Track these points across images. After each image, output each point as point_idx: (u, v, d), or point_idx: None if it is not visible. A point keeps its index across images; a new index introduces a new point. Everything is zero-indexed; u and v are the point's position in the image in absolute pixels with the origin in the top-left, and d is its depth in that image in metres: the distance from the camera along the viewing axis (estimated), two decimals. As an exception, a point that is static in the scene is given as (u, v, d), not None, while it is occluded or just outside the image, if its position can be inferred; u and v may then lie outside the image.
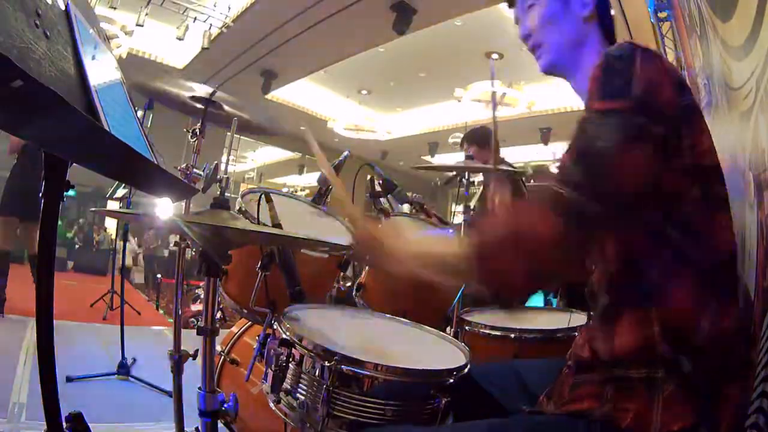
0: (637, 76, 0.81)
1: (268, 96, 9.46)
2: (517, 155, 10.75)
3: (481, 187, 3.38)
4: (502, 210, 0.88)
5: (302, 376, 1.01)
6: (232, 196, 1.23)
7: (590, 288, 0.98)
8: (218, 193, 1.10)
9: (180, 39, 6.98)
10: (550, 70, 1.09)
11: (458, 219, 2.65)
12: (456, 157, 9.46)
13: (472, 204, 2.32)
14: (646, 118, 0.79)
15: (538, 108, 9.16)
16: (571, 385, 0.89)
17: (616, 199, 0.79)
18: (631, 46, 0.85)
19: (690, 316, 0.80)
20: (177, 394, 1.58)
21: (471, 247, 0.89)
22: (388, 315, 1.42)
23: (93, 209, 10.11)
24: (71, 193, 0.92)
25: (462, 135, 3.50)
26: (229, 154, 1.62)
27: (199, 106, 1.81)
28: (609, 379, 0.84)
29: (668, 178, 0.80)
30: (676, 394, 0.77)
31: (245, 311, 1.51)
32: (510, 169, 3.57)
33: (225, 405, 1.06)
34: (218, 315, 1.20)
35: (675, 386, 0.78)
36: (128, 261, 8.68)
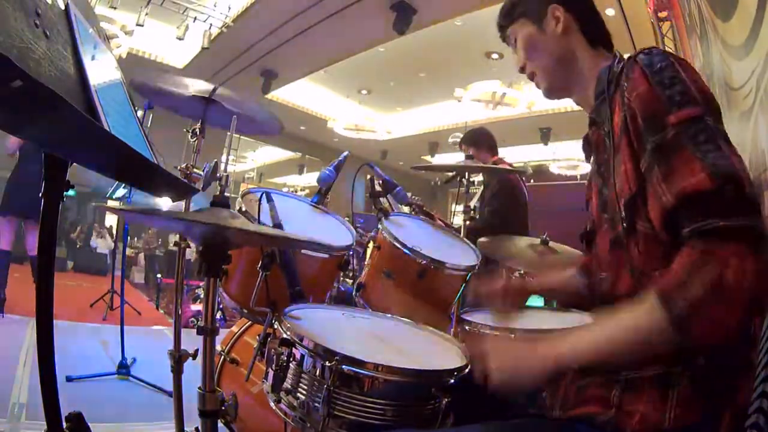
0: (684, 80, 0.81)
1: (268, 96, 9.46)
2: (517, 155, 10.76)
3: (482, 187, 3.39)
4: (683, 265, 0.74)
5: (303, 375, 1.01)
6: (232, 196, 1.22)
7: (605, 290, 0.97)
8: (218, 192, 1.10)
9: (180, 39, 6.99)
10: (551, 94, 1.11)
11: (458, 219, 2.65)
12: (456, 157, 9.45)
13: (472, 204, 2.32)
14: (714, 118, 0.79)
15: (538, 108, 9.16)
16: (578, 387, 0.89)
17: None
18: (658, 52, 0.86)
19: None
20: (177, 394, 1.58)
21: (670, 313, 0.73)
22: (388, 315, 1.42)
23: (95, 203, 10.11)
24: (71, 193, 0.92)
25: (462, 135, 3.51)
26: (228, 154, 1.61)
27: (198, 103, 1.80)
28: (617, 381, 0.84)
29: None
30: (690, 390, 0.78)
31: (245, 311, 1.50)
32: (510, 168, 3.58)
33: (225, 405, 1.06)
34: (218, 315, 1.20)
35: (688, 382, 0.78)
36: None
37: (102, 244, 10.66)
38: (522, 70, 1.12)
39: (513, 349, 0.91)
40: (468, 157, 2.53)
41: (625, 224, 0.87)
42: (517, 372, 0.86)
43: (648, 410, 0.78)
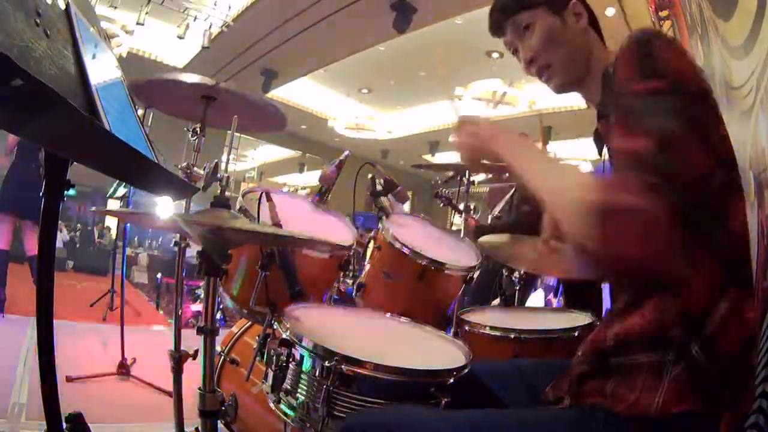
0: (663, 59, 0.81)
1: (269, 95, 9.46)
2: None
3: (512, 190, 3.39)
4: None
5: (302, 376, 1.01)
6: (233, 195, 1.22)
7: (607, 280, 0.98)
8: (219, 192, 1.10)
9: (180, 38, 6.97)
10: (562, 88, 1.11)
11: (457, 219, 2.65)
12: (456, 157, 9.45)
13: (472, 204, 2.32)
14: (684, 97, 0.79)
15: (538, 107, 9.16)
16: (578, 377, 0.90)
17: (693, 186, 0.76)
18: (650, 32, 0.86)
19: (706, 303, 0.79)
20: (177, 394, 1.58)
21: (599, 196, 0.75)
22: (388, 315, 1.42)
23: (93, 209, 10.10)
24: (71, 192, 0.92)
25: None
26: (229, 153, 1.61)
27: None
28: (614, 367, 0.84)
29: (700, 159, 0.78)
30: (683, 379, 0.77)
31: (245, 311, 1.50)
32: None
33: (225, 405, 1.06)
34: (218, 315, 1.20)
35: (682, 371, 0.78)
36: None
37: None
38: (531, 60, 1.10)
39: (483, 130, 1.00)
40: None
41: None
42: (477, 143, 1.00)
43: (639, 395, 0.79)
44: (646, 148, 0.75)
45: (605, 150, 1.06)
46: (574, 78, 1.09)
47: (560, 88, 1.10)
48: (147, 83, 1.70)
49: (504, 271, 2.43)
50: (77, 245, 10.69)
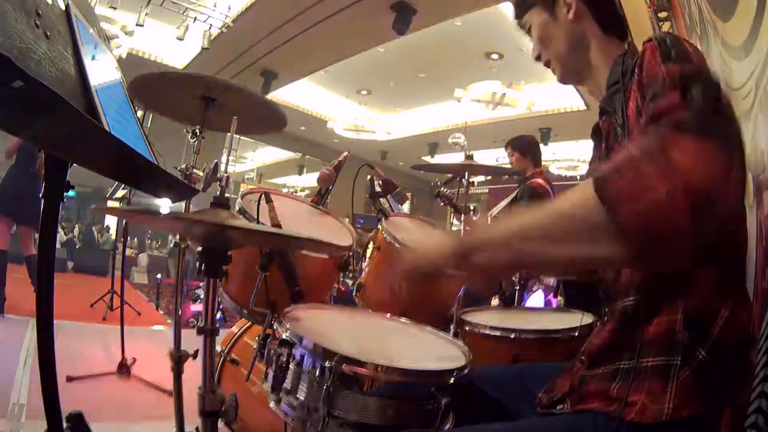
0: (689, 51, 0.81)
1: (269, 96, 9.47)
2: (517, 155, 10.74)
3: (510, 196, 3.39)
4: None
5: (302, 376, 1.01)
6: (232, 196, 1.22)
7: (608, 282, 0.97)
8: (218, 192, 1.10)
9: (180, 39, 6.98)
10: (564, 80, 1.13)
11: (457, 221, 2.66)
12: (455, 158, 9.47)
13: (472, 206, 2.32)
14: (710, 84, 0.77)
15: (538, 108, 9.17)
16: (580, 379, 0.90)
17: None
18: (675, 36, 0.86)
19: (711, 307, 0.80)
20: (177, 394, 1.58)
21: (596, 181, 0.68)
22: (388, 315, 1.42)
23: (93, 206, 10.11)
24: (71, 193, 0.92)
25: (462, 135, 3.53)
26: (229, 155, 1.61)
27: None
28: (618, 372, 0.84)
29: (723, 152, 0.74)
30: (690, 382, 0.78)
31: (245, 312, 1.51)
32: (506, 170, 3.58)
33: (225, 405, 1.06)
34: (218, 316, 1.20)
35: (689, 374, 0.78)
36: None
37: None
38: (538, 58, 1.13)
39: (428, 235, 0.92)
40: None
41: None
42: (425, 247, 0.88)
43: (647, 401, 0.78)
44: (678, 102, 0.71)
45: (603, 145, 1.06)
46: (573, 70, 1.10)
47: (562, 80, 1.13)
48: (145, 82, 1.69)
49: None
50: (77, 245, 10.70)
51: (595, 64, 1.06)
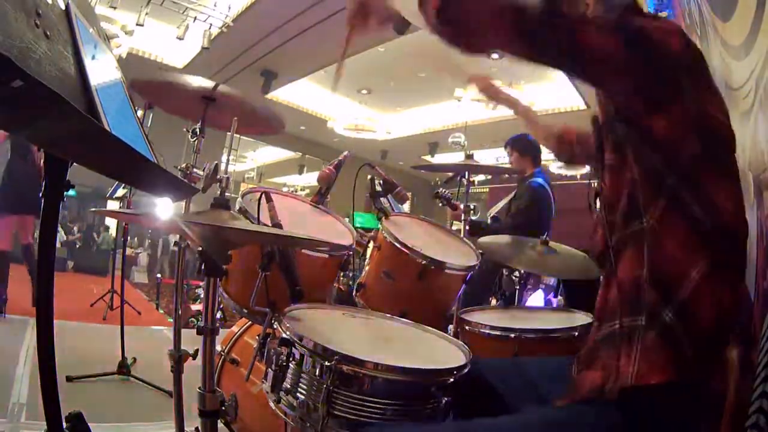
0: (638, 17, 0.85)
1: (269, 96, 9.46)
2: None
3: (510, 195, 3.40)
4: None
5: (302, 375, 1.01)
6: (233, 196, 1.23)
7: (599, 246, 0.98)
8: (218, 193, 1.10)
9: (180, 39, 6.98)
10: None
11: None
12: (456, 157, 9.45)
13: (472, 205, 2.32)
14: (642, 50, 0.81)
15: (538, 108, 9.15)
16: (589, 349, 0.92)
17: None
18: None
19: (678, 267, 0.80)
20: (177, 394, 1.58)
21: None
22: (388, 315, 1.42)
23: (93, 209, 10.11)
24: (71, 193, 0.92)
25: (462, 135, 3.54)
26: (229, 154, 1.62)
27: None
28: (601, 341, 0.86)
29: (659, 123, 0.82)
30: (655, 345, 0.78)
31: (245, 311, 1.51)
32: (505, 168, 3.57)
33: (224, 405, 1.06)
34: (218, 315, 1.20)
35: (655, 335, 0.78)
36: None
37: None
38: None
39: None
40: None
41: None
42: None
43: (615, 364, 0.80)
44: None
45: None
46: None
47: None
48: (147, 83, 1.70)
49: (504, 271, 2.43)
50: (77, 245, 10.70)
51: None
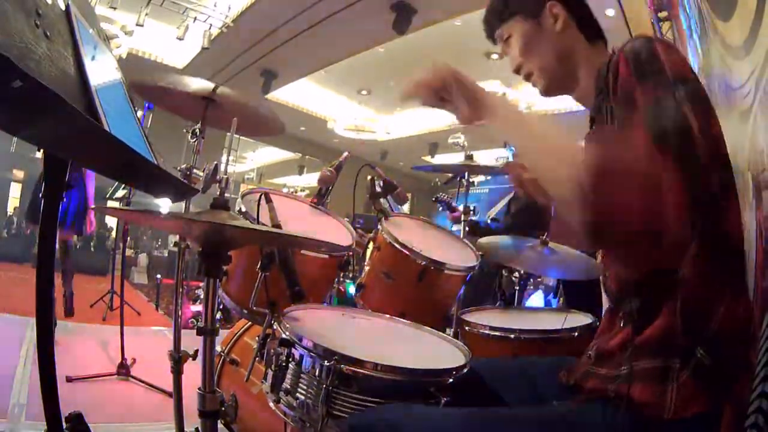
0: (664, 63, 0.82)
1: (268, 96, 9.46)
2: (517, 155, 10.74)
3: (509, 195, 3.40)
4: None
5: (302, 375, 1.01)
6: (232, 196, 1.23)
7: (612, 281, 0.97)
8: (218, 193, 1.10)
9: (180, 39, 6.98)
10: (549, 92, 1.10)
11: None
12: (456, 158, 9.45)
13: (472, 205, 2.32)
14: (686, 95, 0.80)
15: (538, 108, 9.15)
16: (583, 374, 0.91)
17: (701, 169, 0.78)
18: (646, 38, 0.86)
19: (707, 305, 0.80)
20: (177, 394, 1.58)
21: (589, 160, 0.77)
22: (388, 315, 1.42)
23: (93, 207, 10.12)
24: (71, 193, 0.92)
25: (462, 135, 3.53)
26: (228, 155, 1.61)
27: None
28: (618, 374, 0.84)
29: (704, 147, 0.79)
30: (690, 383, 0.78)
31: (245, 311, 1.51)
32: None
33: (224, 405, 1.06)
34: (218, 315, 1.20)
35: (689, 376, 0.78)
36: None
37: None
38: (517, 70, 1.11)
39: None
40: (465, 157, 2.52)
41: None
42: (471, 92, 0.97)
43: (646, 400, 0.79)
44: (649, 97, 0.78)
45: None
46: (558, 81, 1.09)
47: (546, 93, 1.10)
48: (147, 84, 1.70)
49: (504, 271, 2.43)
50: (77, 246, 10.68)
51: (582, 74, 1.06)
